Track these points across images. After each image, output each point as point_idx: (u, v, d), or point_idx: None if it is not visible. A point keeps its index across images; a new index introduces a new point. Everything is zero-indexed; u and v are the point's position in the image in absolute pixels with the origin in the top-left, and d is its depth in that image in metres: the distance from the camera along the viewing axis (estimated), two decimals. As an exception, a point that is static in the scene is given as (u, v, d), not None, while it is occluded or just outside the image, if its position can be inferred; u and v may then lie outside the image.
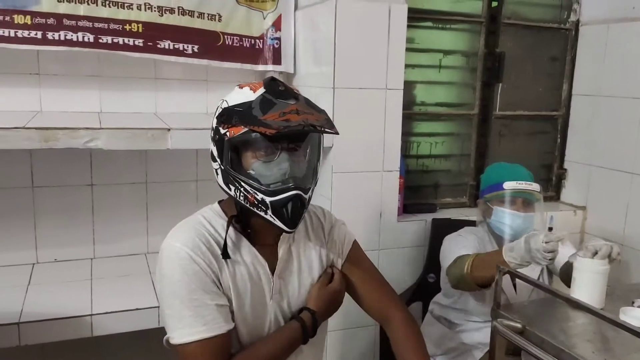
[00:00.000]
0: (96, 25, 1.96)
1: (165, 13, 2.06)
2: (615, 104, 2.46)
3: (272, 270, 1.25)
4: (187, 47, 2.12)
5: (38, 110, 2.07)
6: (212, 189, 2.30)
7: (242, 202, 1.16)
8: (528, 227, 1.79)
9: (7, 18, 1.86)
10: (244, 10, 2.21)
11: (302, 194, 1.15)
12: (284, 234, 1.25)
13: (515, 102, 2.64)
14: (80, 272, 2.04)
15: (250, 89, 1.18)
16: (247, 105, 1.13)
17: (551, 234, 1.52)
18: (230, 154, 1.15)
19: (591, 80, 2.58)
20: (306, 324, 1.26)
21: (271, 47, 2.26)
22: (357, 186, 2.09)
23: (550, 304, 1.56)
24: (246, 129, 1.10)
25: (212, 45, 2.16)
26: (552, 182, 2.80)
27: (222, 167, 1.17)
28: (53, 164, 2.06)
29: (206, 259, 1.17)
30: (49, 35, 1.91)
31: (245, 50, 2.24)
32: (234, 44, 2.21)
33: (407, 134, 2.43)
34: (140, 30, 2.03)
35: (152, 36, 2.05)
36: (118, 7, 1.99)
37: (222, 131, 1.15)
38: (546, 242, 1.48)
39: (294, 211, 1.14)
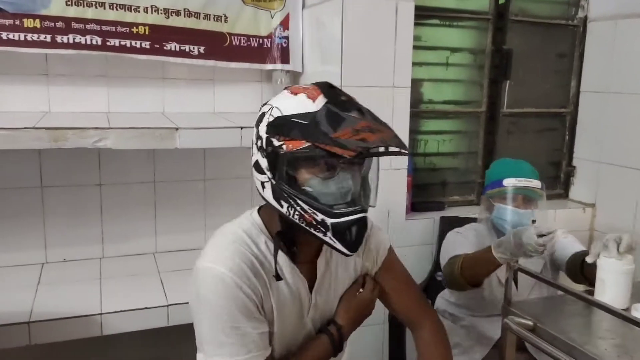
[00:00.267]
0: (104, 28, 1.98)
1: (171, 15, 2.07)
2: (624, 100, 2.44)
3: (310, 286, 1.21)
4: (194, 48, 2.13)
5: (46, 110, 2.07)
6: (220, 188, 2.33)
7: (297, 221, 1.07)
8: (529, 223, 1.78)
9: (17, 22, 1.88)
10: (251, 10, 2.21)
11: (366, 216, 1.09)
12: (324, 248, 1.22)
13: (523, 100, 2.63)
14: (89, 271, 2.05)
15: (308, 97, 1.07)
16: (310, 118, 1.03)
17: (542, 227, 1.54)
18: (285, 168, 1.05)
19: (599, 76, 2.57)
20: (335, 337, 1.24)
21: (279, 46, 2.26)
22: (365, 184, 2.08)
23: (560, 301, 1.55)
24: (309, 144, 1.01)
25: (218, 46, 2.18)
26: (561, 180, 2.79)
27: (274, 182, 1.07)
28: (62, 163, 2.07)
29: (252, 285, 1.10)
30: (58, 38, 1.93)
31: (253, 50, 2.24)
32: (241, 44, 2.22)
33: (414, 132, 2.43)
34: (146, 32, 2.04)
35: (159, 38, 2.06)
36: (125, 10, 2.01)
37: (277, 143, 1.05)
38: (538, 236, 1.50)
39: (358, 235, 1.07)
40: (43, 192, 2.08)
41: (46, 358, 2.02)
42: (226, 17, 2.17)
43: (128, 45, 2.02)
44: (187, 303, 1.76)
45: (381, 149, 1.04)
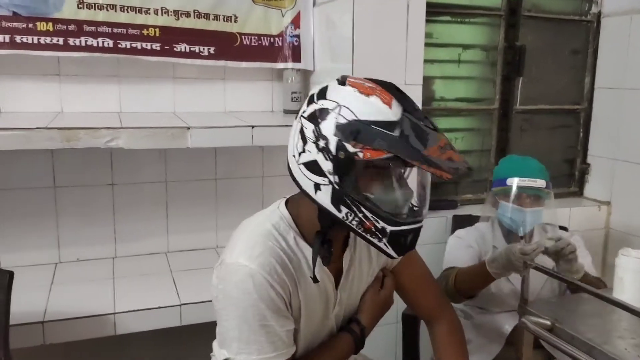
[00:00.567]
0: (115, 30, 2.00)
1: (181, 17, 2.08)
2: (639, 96, 2.41)
3: (336, 282, 1.21)
4: (204, 49, 2.14)
5: (59, 110, 2.08)
6: (231, 187, 2.33)
7: (354, 227, 1.04)
8: (533, 222, 1.80)
9: (31, 25, 1.89)
10: (262, 9, 2.21)
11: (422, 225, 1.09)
12: (350, 244, 1.22)
13: (536, 96, 2.61)
14: (102, 271, 2.05)
15: (383, 102, 1.02)
16: (393, 128, 0.98)
17: (528, 244, 1.59)
18: (357, 175, 1.01)
19: (614, 72, 2.54)
20: (358, 336, 1.25)
21: (291, 45, 2.26)
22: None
23: (577, 301, 1.54)
24: (389, 155, 0.96)
25: (228, 46, 2.18)
26: (575, 178, 2.76)
27: (336, 186, 1.02)
28: (74, 163, 2.08)
29: (281, 282, 1.09)
30: (70, 41, 1.94)
31: (264, 49, 2.24)
32: (252, 44, 2.22)
33: (426, 129, 2.41)
34: (157, 34, 2.05)
35: (169, 40, 2.07)
36: (135, 12, 2.02)
37: (352, 150, 0.98)
38: (522, 254, 1.54)
39: (412, 242, 1.08)
40: (56, 192, 2.08)
41: (60, 357, 2.03)
42: (236, 17, 2.18)
43: (139, 47, 2.04)
44: (200, 302, 1.76)
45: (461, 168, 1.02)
